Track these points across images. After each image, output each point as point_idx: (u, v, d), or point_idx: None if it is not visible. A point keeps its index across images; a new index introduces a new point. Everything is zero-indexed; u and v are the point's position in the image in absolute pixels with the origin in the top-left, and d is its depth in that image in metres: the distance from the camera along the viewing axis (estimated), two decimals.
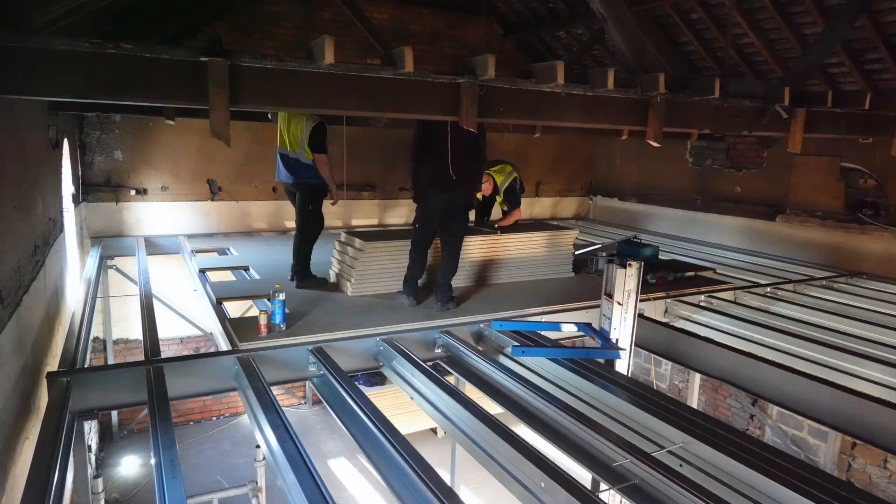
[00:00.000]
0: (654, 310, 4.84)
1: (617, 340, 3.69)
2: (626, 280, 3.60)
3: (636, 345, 3.79)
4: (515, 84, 3.46)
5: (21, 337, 2.99)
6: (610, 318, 3.71)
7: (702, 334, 4.28)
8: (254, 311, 4.64)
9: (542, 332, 3.97)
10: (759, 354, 3.80)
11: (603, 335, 3.77)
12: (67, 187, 5.70)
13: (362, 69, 3.07)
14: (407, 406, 5.85)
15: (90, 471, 3.52)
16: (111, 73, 2.53)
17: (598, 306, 4.56)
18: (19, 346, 2.95)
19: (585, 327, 4.08)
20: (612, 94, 3.73)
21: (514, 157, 6.71)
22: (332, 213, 8.01)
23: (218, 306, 4.34)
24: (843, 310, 4.89)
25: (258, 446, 3.16)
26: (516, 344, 3.65)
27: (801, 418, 6.23)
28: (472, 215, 5.13)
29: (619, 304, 3.65)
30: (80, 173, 6.62)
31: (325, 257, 5.22)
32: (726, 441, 2.53)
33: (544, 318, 4.30)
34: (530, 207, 9.83)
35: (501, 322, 3.99)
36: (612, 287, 3.69)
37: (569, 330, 4.16)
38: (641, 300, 4.65)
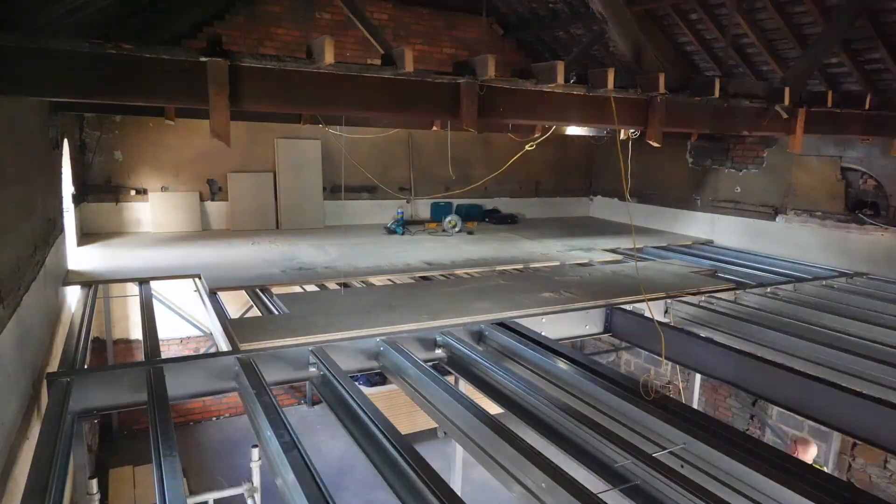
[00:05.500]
0: (655, 310, 4.83)
1: None
2: None
3: (636, 345, 3.79)
4: (515, 84, 3.45)
5: (21, 337, 2.99)
6: None
7: (702, 334, 4.28)
8: (254, 311, 4.63)
9: (543, 332, 3.96)
10: (759, 354, 3.80)
11: None
12: (67, 187, 5.70)
13: (362, 69, 3.06)
14: (407, 406, 5.86)
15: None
16: (111, 73, 2.53)
17: (600, 307, 4.59)
18: (19, 347, 2.95)
19: None
20: (612, 94, 3.72)
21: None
22: (332, 213, 8.04)
23: (215, 302, 4.33)
24: (843, 309, 4.88)
25: (254, 446, 3.16)
26: (517, 343, 3.64)
27: (801, 418, 6.22)
28: None
29: None
30: (79, 173, 6.61)
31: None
32: (727, 441, 2.52)
33: (545, 319, 4.30)
34: (530, 207, 9.84)
35: (501, 322, 3.98)
36: None
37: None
38: (642, 300, 4.66)
